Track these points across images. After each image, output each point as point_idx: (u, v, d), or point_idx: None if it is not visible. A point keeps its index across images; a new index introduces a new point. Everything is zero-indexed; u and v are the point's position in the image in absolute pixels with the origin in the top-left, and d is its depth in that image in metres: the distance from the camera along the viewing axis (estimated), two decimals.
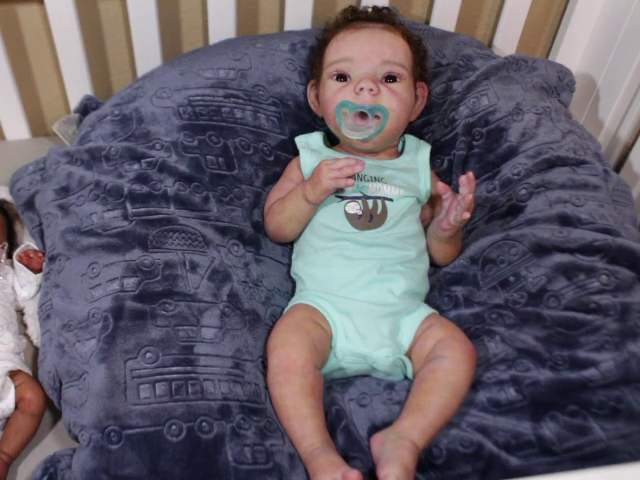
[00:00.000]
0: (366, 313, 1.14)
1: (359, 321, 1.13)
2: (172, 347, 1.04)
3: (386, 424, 1.04)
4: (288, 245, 1.31)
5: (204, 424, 0.98)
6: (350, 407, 1.08)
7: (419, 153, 1.32)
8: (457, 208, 1.15)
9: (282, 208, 1.24)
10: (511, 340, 1.11)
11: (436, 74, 1.42)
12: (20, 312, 1.25)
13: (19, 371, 1.13)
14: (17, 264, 1.25)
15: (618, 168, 1.58)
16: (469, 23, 1.64)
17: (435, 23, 1.56)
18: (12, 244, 1.32)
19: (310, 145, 1.32)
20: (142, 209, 1.17)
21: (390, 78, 1.24)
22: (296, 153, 1.33)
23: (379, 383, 1.12)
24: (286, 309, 1.19)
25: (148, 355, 1.03)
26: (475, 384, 1.08)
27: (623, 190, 1.31)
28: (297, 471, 0.99)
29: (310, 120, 1.39)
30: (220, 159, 1.27)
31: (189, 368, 1.03)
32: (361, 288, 1.16)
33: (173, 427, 0.97)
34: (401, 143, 1.34)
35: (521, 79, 1.41)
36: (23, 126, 1.56)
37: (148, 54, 1.47)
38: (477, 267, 1.21)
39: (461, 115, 1.39)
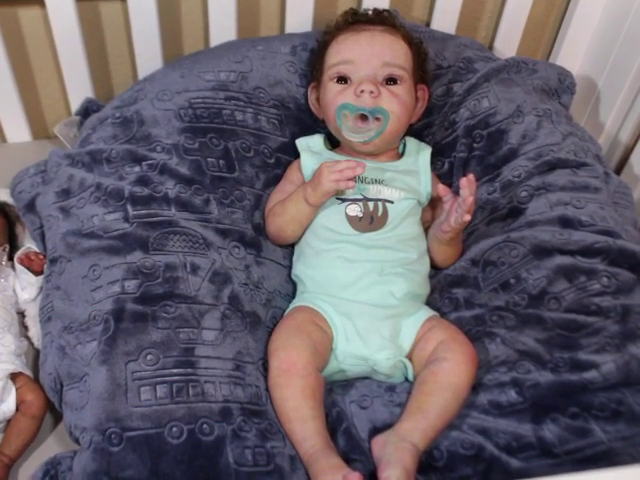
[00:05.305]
0: (367, 315, 1.14)
1: (360, 323, 1.13)
2: (173, 349, 1.04)
3: (387, 426, 1.04)
4: (289, 247, 1.31)
5: (205, 426, 0.98)
6: (351, 409, 1.07)
7: (420, 155, 1.32)
8: (458, 210, 1.15)
9: (283, 210, 1.24)
10: (512, 342, 1.11)
11: (437, 76, 1.42)
12: (21, 314, 1.25)
13: (20, 373, 1.13)
14: (18, 266, 1.25)
15: (619, 170, 1.58)
16: (470, 25, 1.64)
17: (436, 25, 1.56)
18: (13, 246, 1.31)
19: (311, 147, 1.32)
20: (143, 211, 1.17)
21: (391, 80, 1.24)
22: (297, 155, 1.33)
23: (380, 385, 1.12)
24: (287, 311, 1.19)
25: (149, 357, 1.03)
26: (476, 386, 1.08)
27: (624, 192, 1.31)
28: (298, 473, 0.99)
29: (311, 122, 1.39)
30: (221, 161, 1.27)
31: (190, 370, 1.03)
32: (362, 290, 1.16)
33: (174, 429, 0.97)
34: (402, 145, 1.34)
35: (522, 81, 1.41)
36: (24, 129, 1.56)
37: (149, 56, 1.47)
38: (478, 269, 1.21)
39: (462, 117, 1.39)
